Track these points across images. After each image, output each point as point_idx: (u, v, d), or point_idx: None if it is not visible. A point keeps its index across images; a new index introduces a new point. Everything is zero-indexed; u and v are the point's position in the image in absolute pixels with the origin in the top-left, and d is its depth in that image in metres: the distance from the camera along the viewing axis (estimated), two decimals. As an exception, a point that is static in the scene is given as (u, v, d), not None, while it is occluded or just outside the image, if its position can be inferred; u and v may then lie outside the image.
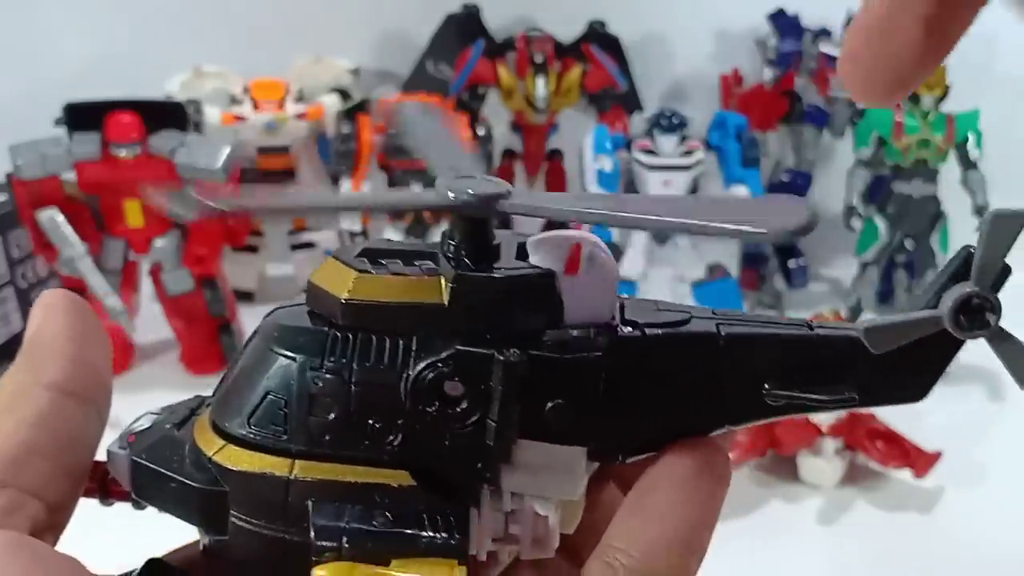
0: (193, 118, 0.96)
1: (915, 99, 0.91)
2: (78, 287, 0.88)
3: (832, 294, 1.12)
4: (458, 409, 0.23)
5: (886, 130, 0.92)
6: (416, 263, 0.25)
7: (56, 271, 0.90)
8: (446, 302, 0.23)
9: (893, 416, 0.76)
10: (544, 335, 0.24)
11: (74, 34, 1.15)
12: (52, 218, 0.83)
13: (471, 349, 0.23)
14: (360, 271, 0.24)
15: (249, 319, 0.99)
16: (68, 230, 0.84)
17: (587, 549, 0.24)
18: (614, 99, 1.07)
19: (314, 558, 0.23)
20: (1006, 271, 0.24)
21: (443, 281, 0.23)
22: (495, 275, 0.24)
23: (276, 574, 0.24)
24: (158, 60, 1.05)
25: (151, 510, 0.27)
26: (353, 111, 0.97)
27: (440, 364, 0.23)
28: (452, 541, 0.23)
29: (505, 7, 1.12)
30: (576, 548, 0.26)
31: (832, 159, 1.14)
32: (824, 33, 1.08)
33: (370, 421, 0.23)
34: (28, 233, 0.87)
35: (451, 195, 0.23)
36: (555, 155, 1.09)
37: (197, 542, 0.27)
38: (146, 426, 0.27)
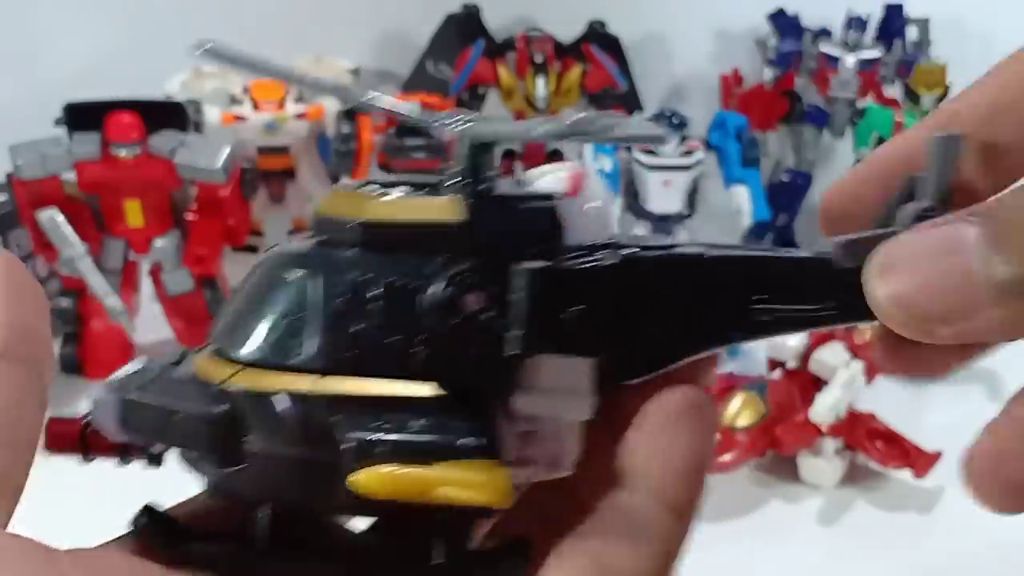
0: (193, 118, 0.96)
1: (915, 99, 0.91)
2: (78, 287, 0.88)
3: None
4: (480, 320, 0.23)
5: (886, 130, 0.92)
6: (422, 191, 0.25)
7: (56, 271, 0.90)
8: (463, 220, 0.24)
9: (893, 416, 0.76)
10: (558, 249, 0.24)
11: (74, 34, 1.15)
12: (52, 218, 0.83)
13: (491, 261, 0.23)
14: (374, 195, 0.24)
15: (249, 319, 0.99)
16: (68, 230, 0.84)
17: (585, 485, 0.25)
18: (614, 99, 1.07)
19: (352, 464, 0.22)
20: (951, 192, 0.26)
21: (459, 201, 0.24)
22: (509, 193, 0.25)
23: (301, 499, 0.24)
24: (158, 60, 1.05)
25: (136, 467, 0.26)
26: (353, 111, 0.97)
27: (462, 276, 0.23)
28: (489, 446, 0.23)
29: (505, 7, 1.12)
30: (571, 485, 0.26)
31: (832, 159, 1.14)
32: (824, 33, 1.08)
33: (393, 336, 0.23)
34: (28, 233, 0.87)
35: (451, 124, 0.24)
36: (555, 155, 1.09)
37: (195, 497, 0.26)
38: (134, 370, 0.26)
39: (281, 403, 0.23)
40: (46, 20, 1.15)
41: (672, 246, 0.26)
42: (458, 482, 0.22)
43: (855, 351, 0.75)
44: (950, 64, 0.92)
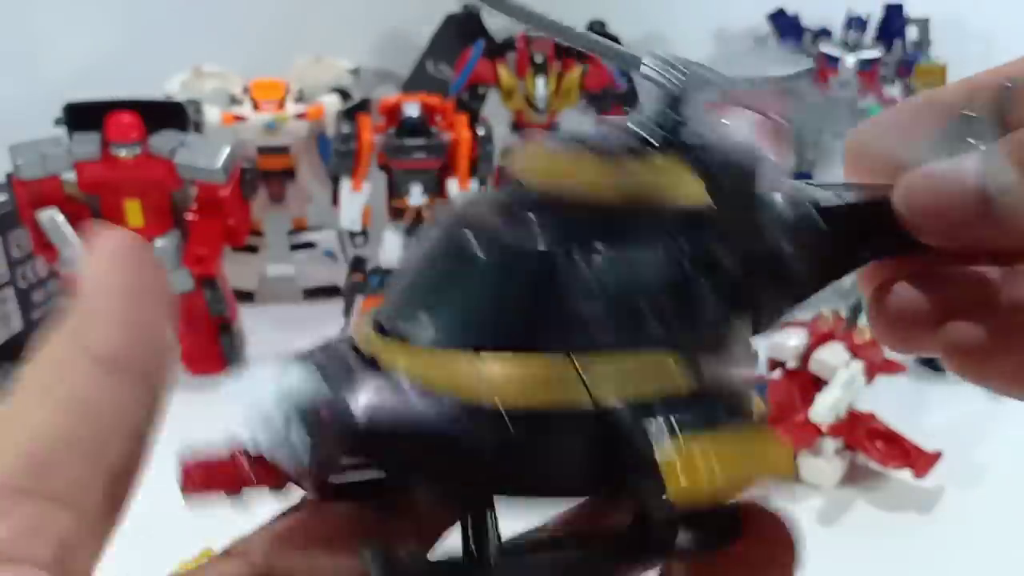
0: (193, 118, 0.96)
1: (915, 99, 0.91)
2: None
3: (832, 294, 1.12)
4: (732, 280, 0.22)
5: (886, 130, 0.92)
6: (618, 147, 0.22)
7: (56, 271, 0.90)
8: (703, 190, 0.22)
9: (893, 416, 0.76)
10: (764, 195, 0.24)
11: (74, 34, 1.15)
12: (52, 218, 0.83)
13: (743, 216, 0.22)
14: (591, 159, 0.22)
15: (249, 319, 0.99)
16: (68, 230, 0.84)
17: None
18: (614, 99, 1.07)
19: (653, 450, 0.19)
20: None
21: (688, 170, 0.22)
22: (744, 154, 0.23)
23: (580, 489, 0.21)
24: (158, 60, 1.05)
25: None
26: (353, 111, 0.97)
27: (713, 234, 0.22)
28: (762, 421, 0.21)
29: (505, 7, 1.12)
30: None
31: (832, 159, 1.14)
32: (824, 33, 1.08)
33: (642, 305, 0.21)
34: (28, 233, 0.87)
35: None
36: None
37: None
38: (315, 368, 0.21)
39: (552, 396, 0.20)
40: (46, 20, 1.15)
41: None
42: (771, 459, 0.21)
43: (855, 351, 0.75)
44: (950, 64, 0.92)
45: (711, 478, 0.19)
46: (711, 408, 0.20)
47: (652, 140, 0.22)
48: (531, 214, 0.21)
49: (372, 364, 0.21)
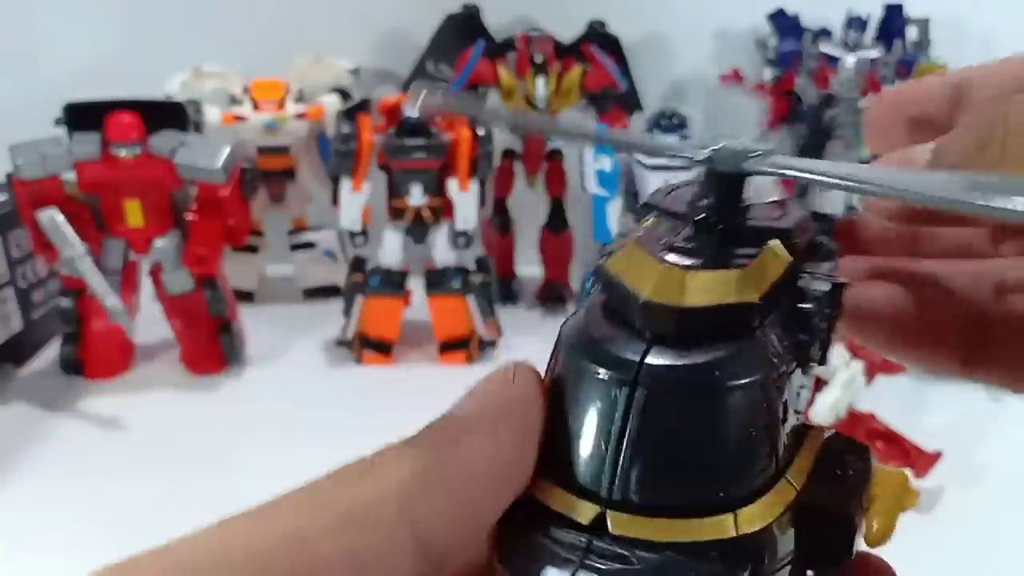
0: (193, 118, 0.96)
1: (915, 99, 0.91)
2: (78, 287, 0.88)
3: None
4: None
5: (886, 130, 0.92)
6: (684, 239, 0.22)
7: (56, 271, 0.90)
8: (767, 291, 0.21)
9: (893, 416, 0.76)
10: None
11: (74, 34, 1.15)
12: (52, 218, 0.83)
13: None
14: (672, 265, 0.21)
15: (249, 319, 0.99)
16: (68, 230, 0.84)
17: None
18: (614, 99, 1.07)
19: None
20: None
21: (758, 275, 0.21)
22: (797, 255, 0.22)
23: None
24: (158, 60, 1.05)
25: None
26: (353, 111, 0.97)
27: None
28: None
29: (505, 7, 1.12)
30: None
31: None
32: (824, 33, 1.08)
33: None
34: (28, 233, 0.87)
35: (706, 152, 0.22)
36: (555, 155, 1.09)
37: None
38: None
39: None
40: (46, 20, 1.15)
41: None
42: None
43: (855, 351, 0.75)
44: (950, 64, 0.92)
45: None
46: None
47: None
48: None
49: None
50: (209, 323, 0.92)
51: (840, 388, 0.72)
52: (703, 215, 0.22)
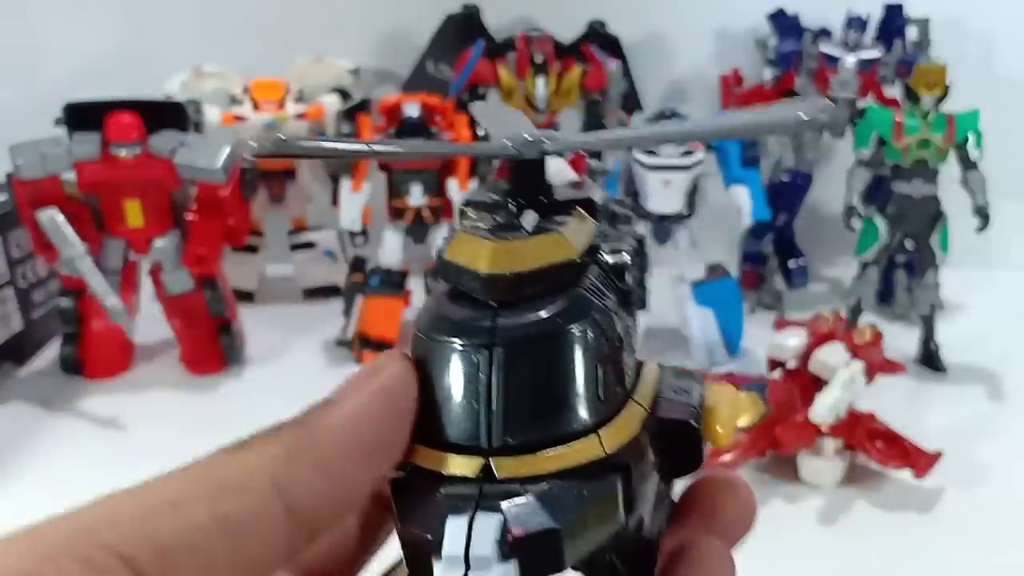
0: (193, 118, 0.96)
1: (915, 99, 0.91)
2: (78, 287, 0.88)
3: (832, 294, 1.12)
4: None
5: (886, 130, 0.92)
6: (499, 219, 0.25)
7: (56, 271, 0.90)
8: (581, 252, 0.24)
9: (893, 416, 0.76)
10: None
11: (74, 34, 1.15)
12: (52, 218, 0.83)
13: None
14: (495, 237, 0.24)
15: (249, 319, 0.99)
16: (68, 230, 0.84)
17: None
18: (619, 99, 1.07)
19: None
20: None
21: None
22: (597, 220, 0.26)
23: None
24: (158, 60, 1.05)
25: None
26: (353, 111, 0.97)
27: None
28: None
29: (505, 7, 1.12)
30: None
31: (832, 159, 1.14)
32: (824, 33, 1.08)
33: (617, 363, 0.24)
34: (28, 233, 0.87)
35: (510, 144, 0.25)
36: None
37: None
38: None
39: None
40: (46, 20, 1.15)
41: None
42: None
43: (855, 351, 0.75)
44: (950, 64, 0.92)
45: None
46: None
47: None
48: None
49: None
50: (209, 323, 0.92)
51: (840, 388, 0.72)
52: (517, 196, 0.25)
